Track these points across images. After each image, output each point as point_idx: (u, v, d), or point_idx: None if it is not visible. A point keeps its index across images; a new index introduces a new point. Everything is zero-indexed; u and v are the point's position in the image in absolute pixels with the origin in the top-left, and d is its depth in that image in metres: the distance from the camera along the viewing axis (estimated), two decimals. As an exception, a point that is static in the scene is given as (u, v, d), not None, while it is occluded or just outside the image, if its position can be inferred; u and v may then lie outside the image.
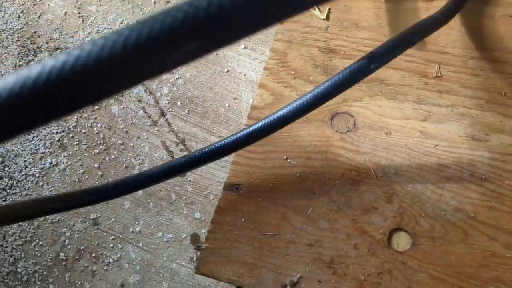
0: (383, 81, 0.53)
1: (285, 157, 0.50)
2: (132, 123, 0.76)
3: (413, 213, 0.46)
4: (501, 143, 0.48)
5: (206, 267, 0.45)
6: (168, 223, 0.69)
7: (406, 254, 0.44)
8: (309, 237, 0.45)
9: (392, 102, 0.51)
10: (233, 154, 0.50)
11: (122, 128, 0.76)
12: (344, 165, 0.49)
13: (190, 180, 0.71)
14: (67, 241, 0.70)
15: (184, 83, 0.78)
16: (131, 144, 0.72)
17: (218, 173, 0.70)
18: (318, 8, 0.58)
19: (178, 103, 0.77)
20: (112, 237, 0.70)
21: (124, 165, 0.73)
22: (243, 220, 0.47)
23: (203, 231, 0.69)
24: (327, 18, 0.58)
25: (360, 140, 0.50)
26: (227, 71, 0.79)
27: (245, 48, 0.81)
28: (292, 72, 0.54)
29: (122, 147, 0.73)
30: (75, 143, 0.74)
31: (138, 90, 0.78)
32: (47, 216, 0.72)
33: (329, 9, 0.58)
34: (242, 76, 0.78)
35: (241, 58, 0.80)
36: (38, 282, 0.69)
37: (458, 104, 0.50)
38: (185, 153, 0.74)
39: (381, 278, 0.43)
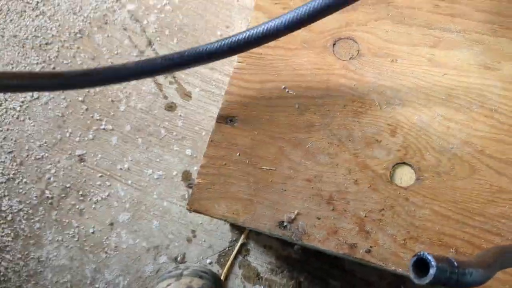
0: (390, 3, 0.48)
1: (283, 86, 0.46)
2: (117, 53, 0.70)
3: (419, 146, 0.43)
4: (515, 72, 0.44)
5: (199, 204, 0.43)
6: (158, 160, 0.66)
7: (410, 189, 0.42)
8: (308, 172, 0.43)
9: (400, 27, 0.47)
10: (228, 83, 0.46)
11: (107, 58, 0.70)
12: (347, 95, 0.45)
13: (180, 115, 0.67)
14: (52, 178, 0.67)
15: (172, 10, 0.72)
16: (115, 77, 0.67)
17: (210, 107, 0.66)
18: None
19: (167, 32, 0.71)
20: (100, 174, 0.67)
21: (110, 99, 0.68)
22: (237, 154, 0.44)
23: (195, 168, 0.66)
24: None
25: (364, 68, 0.46)
26: (218, -4, 0.72)
27: (237, -29, 0.73)
28: (291, -7, 0.49)
29: (106, 80, 0.68)
30: (54, 76, 0.68)
31: (123, 17, 0.72)
32: (30, 152, 0.68)
33: None
34: (234, 2, 0.72)
35: (232, -17, 0.73)
36: (24, 221, 0.66)
37: (470, 29, 0.46)
38: (175, 86, 0.70)
39: (383, 215, 0.41)
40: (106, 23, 0.72)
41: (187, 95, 0.68)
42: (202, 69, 0.69)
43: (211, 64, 0.68)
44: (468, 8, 0.47)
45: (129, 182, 0.67)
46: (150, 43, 0.71)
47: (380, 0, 0.48)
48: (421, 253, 0.26)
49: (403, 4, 0.48)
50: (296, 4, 0.48)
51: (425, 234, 0.41)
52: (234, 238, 0.64)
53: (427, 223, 0.41)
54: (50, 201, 0.68)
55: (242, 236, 0.63)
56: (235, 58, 0.47)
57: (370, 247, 0.41)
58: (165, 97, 0.69)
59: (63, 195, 0.68)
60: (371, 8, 0.48)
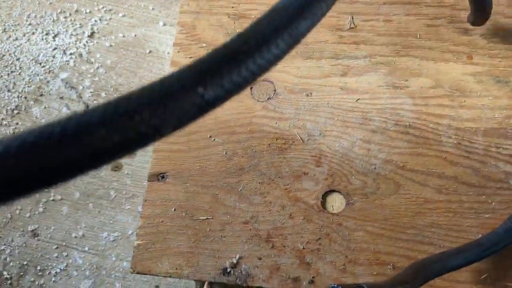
0: (298, 41, 0.51)
1: (209, 135, 0.47)
2: (55, 123, 0.71)
3: (344, 172, 0.45)
4: (421, 87, 0.47)
5: (141, 265, 0.43)
6: (111, 222, 0.66)
7: (342, 215, 0.44)
8: (244, 215, 0.44)
9: (310, 61, 0.50)
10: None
11: (47, 130, 0.71)
12: (270, 135, 0.47)
13: (127, 173, 0.68)
14: (8, 258, 0.66)
15: (105, 71, 0.73)
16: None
17: (154, 161, 0.68)
18: (221, -27, 0.54)
19: (103, 94, 0.72)
20: (55, 246, 0.66)
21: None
22: (173, 209, 0.45)
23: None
24: (234, -18, 0.54)
25: (282, 106, 0.48)
26: (150, 52, 0.75)
27: (165, 25, 0.76)
28: (204, 45, 0.51)
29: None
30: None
31: (58, 86, 0.73)
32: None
33: (234, -28, 0.54)
34: (165, 55, 0.74)
35: (161, 37, 0.76)
36: (-19, 308, 0.65)
37: (375, 53, 0.49)
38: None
39: (320, 244, 0.43)
40: (41, 95, 0.73)
41: (131, 153, 0.69)
42: (142, 125, 0.70)
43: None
44: (370, 34, 0.50)
45: (86, 248, 0.66)
46: (88, 108, 0.72)
47: (289, 40, 0.51)
48: (332, 284, 0.27)
49: (310, 40, 0.51)
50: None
51: (363, 256, 0.42)
52: (198, 286, 0.64)
53: (363, 245, 0.42)
54: (9, 281, 0.66)
55: (206, 283, 0.63)
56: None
57: (313, 277, 0.42)
58: (110, 158, 0.69)
59: (21, 273, 0.66)
60: (281, 48, 0.50)
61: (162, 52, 0.75)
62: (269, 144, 0.47)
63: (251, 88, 0.49)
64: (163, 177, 0.46)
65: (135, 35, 0.75)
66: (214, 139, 0.47)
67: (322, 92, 0.48)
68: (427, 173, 0.44)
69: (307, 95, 0.48)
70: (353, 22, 0.51)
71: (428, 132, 0.46)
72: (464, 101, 0.46)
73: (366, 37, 0.50)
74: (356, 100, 0.48)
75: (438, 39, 0.49)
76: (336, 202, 0.44)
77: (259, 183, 0.45)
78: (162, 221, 0.44)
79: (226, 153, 0.46)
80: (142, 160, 0.68)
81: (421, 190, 0.44)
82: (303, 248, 0.43)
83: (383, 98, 0.47)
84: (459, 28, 0.49)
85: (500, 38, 0.48)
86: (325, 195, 0.45)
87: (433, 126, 0.46)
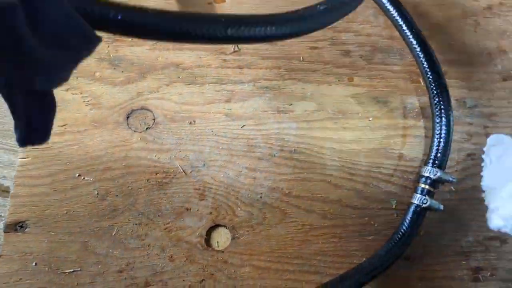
0: (179, 65, 0.48)
1: (77, 174, 0.42)
2: None
3: (229, 204, 0.42)
4: (305, 111, 0.47)
5: (-5, 334, 0.36)
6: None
7: (227, 251, 0.41)
8: (118, 263, 0.39)
9: (193, 87, 0.47)
10: (13, 185, 0.41)
11: None
12: (149, 169, 0.43)
13: (1, 215, 0.59)
14: None
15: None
16: None
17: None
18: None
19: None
20: None
21: None
22: (34, 264, 0.39)
23: None
24: (107, 2, 0.50)
25: (162, 136, 0.44)
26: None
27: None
28: (74, 72, 0.46)
29: None
30: None
31: None
32: None
33: (108, -9, 0.50)
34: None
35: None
36: None
37: (259, 77, 0.48)
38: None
39: (204, 286, 0.39)
40: None
41: (5, 191, 0.61)
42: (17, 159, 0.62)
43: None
44: (254, 57, 0.48)
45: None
46: None
47: (169, 64, 0.47)
48: None
49: (192, 64, 0.48)
50: (81, 84, 0.45)
51: (250, 295, 0.39)
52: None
53: (249, 281, 0.40)
54: None
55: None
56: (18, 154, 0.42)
57: (198, 325, 0.38)
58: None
59: None
60: (160, 73, 0.47)
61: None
62: (147, 180, 0.43)
63: (127, 117, 0.45)
64: (22, 226, 0.40)
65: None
66: (83, 178, 0.42)
67: (205, 119, 0.45)
68: (312, 199, 0.43)
69: (190, 123, 0.45)
70: (237, 45, 0.49)
71: (313, 156, 0.45)
72: (347, 123, 0.46)
73: (250, 60, 0.48)
74: (242, 127, 0.45)
75: (321, 62, 0.49)
76: (221, 238, 0.42)
77: (135, 224, 0.41)
78: (21, 279, 0.38)
79: (98, 193, 0.42)
80: None
81: (307, 217, 0.43)
82: (186, 293, 0.39)
83: (268, 124, 0.46)
84: (341, 50, 0.49)
85: (379, 59, 0.49)
86: (209, 231, 0.42)
87: (318, 150, 0.45)
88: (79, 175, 0.42)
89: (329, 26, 0.31)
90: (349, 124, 0.46)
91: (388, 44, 0.50)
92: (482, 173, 0.36)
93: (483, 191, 0.34)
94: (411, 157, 0.45)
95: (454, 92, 0.48)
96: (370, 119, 0.47)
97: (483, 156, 0.36)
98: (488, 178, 0.30)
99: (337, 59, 0.49)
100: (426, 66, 0.43)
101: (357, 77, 0.48)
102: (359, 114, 0.47)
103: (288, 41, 0.49)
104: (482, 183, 0.35)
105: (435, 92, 0.42)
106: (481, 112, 0.48)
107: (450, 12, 0.52)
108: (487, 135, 0.47)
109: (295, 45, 0.49)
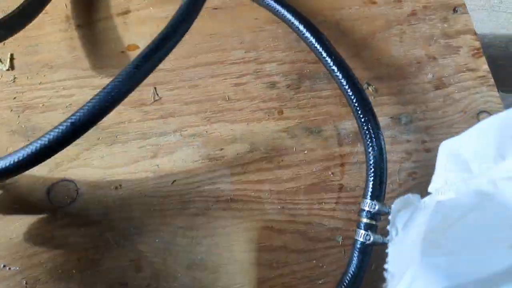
0: (97, 126, 0.44)
1: (2, 265, 0.39)
2: None
3: (168, 271, 0.40)
4: (237, 154, 0.44)
5: None
6: None
7: (171, 322, 0.39)
8: None
9: (115, 147, 0.44)
10: None
11: None
12: (77, 246, 0.40)
13: None
14: None
15: None
16: None
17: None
18: (-14, 64, 0.46)
19: None
20: None
21: None
22: None
23: None
24: (12, 67, 0.46)
25: (89, 208, 0.42)
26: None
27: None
28: (-16, 152, 0.43)
29: None
30: None
31: None
32: None
33: (11, 54, 0.47)
34: None
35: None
36: None
37: (185, 125, 0.45)
38: None
39: None
40: None
41: None
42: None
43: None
44: (177, 104, 0.46)
45: None
46: None
47: (86, 126, 0.44)
48: None
49: (111, 122, 0.45)
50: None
51: None
52: None
53: None
54: None
55: None
56: None
57: None
58: None
59: None
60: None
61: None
62: (78, 259, 0.40)
63: (48, 193, 0.42)
64: None
65: None
66: (9, 268, 0.39)
67: (132, 181, 0.43)
68: (257, 249, 0.41)
69: (116, 188, 0.43)
70: (157, 94, 0.46)
71: (251, 202, 0.43)
72: (282, 160, 0.44)
73: (173, 108, 0.46)
74: (172, 183, 0.43)
75: (247, 98, 0.47)
76: (164, 309, 0.39)
77: (70, 311, 0.38)
78: None
79: (26, 283, 0.39)
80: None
81: (253, 271, 0.41)
82: None
83: (200, 174, 0.44)
84: (267, 82, 0.47)
85: (306, 87, 0.47)
86: (151, 304, 0.39)
87: (255, 194, 0.43)
88: (4, 266, 0.39)
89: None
90: (285, 161, 0.45)
91: (314, 69, 0.48)
92: (387, 250, 0.29)
93: (385, 278, 0.27)
94: (351, 187, 0.44)
95: (388, 110, 0.47)
96: (305, 152, 0.45)
97: (388, 227, 0.32)
98: (392, 259, 0.27)
99: (263, 93, 0.47)
100: (350, 94, 0.41)
101: (287, 109, 0.46)
102: (293, 149, 0.45)
103: (210, 80, 0.47)
104: (385, 266, 0.27)
105: (362, 120, 0.40)
106: (417, 126, 0.46)
107: (374, 25, 0.50)
108: (427, 150, 0.46)
109: (218, 85, 0.47)
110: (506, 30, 0.75)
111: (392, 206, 0.32)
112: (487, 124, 0.25)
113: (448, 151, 0.28)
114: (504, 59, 0.74)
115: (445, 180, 0.27)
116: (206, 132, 0.45)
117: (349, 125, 0.46)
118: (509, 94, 0.68)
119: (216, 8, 0.50)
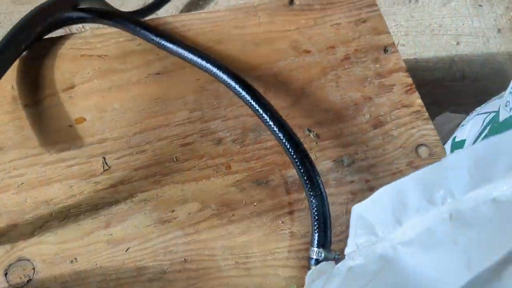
0: (49, 202, 0.46)
1: None
2: None
3: None
4: (189, 214, 0.46)
5: None
6: None
7: None
8: None
9: (67, 222, 0.45)
10: None
11: None
12: (36, 327, 0.41)
13: None
14: None
15: None
16: None
17: None
18: None
19: None
20: None
21: None
22: None
23: None
24: (-38, 153, 0.48)
25: (46, 285, 0.42)
26: None
27: None
28: None
29: None
30: None
31: None
32: None
33: (-38, 141, 0.48)
34: None
35: None
36: None
37: (135, 191, 0.47)
38: None
39: None
40: None
41: None
42: None
43: None
44: (126, 171, 0.47)
45: None
46: None
47: (39, 204, 0.46)
48: None
49: (63, 196, 0.46)
50: None
51: None
52: None
53: None
54: None
55: None
56: None
57: None
58: None
59: None
60: (31, 216, 0.45)
61: None
62: None
63: (5, 274, 0.43)
64: None
65: None
66: None
67: (87, 253, 0.44)
68: (213, 308, 0.42)
69: (72, 262, 0.43)
70: (106, 163, 0.48)
71: (205, 261, 0.44)
72: (233, 215, 0.46)
73: (122, 176, 0.47)
74: (126, 250, 0.44)
75: (195, 157, 0.48)
76: None
77: None
78: None
79: None
80: None
81: (213, 329, 0.41)
82: None
83: (153, 239, 0.45)
84: (212, 139, 0.49)
85: (251, 140, 0.49)
86: None
87: (209, 252, 0.44)
88: None
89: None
90: (236, 215, 0.46)
91: (257, 121, 0.50)
92: None
93: None
94: (302, 233, 0.45)
95: (330, 153, 0.49)
96: (255, 204, 0.46)
97: None
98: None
99: (211, 150, 0.49)
100: (288, 147, 0.43)
101: (234, 163, 0.48)
102: (243, 202, 0.46)
103: (157, 144, 0.49)
104: None
105: (301, 171, 0.42)
106: (360, 166, 0.48)
107: (310, 73, 0.53)
108: (371, 188, 0.47)
109: (166, 147, 0.48)
110: (448, 52, 0.78)
111: (306, 277, 0.33)
112: (384, 191, 0.27)
113: (356, 216, 0.30)
114: (449, 80, 0.77)
115: (356, 244, 0.29)
116: (157, 195, 0.46)
117: (295, 172, 0.48)
118: (456, 113, 0.71)
119: (158, 73, 0.52)
